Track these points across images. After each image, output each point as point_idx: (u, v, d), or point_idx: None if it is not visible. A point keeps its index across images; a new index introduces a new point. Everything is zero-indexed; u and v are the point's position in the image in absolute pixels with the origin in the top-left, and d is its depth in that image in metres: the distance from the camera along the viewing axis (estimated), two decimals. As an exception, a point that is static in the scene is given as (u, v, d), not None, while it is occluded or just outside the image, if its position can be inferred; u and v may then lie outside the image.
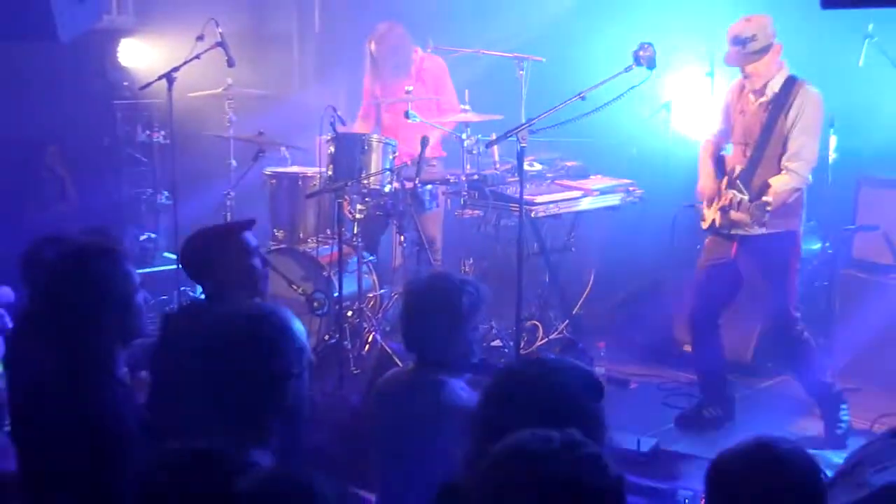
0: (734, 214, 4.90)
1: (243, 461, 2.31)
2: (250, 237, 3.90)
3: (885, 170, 5.92)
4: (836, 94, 4.97)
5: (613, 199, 6.18)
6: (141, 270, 3.10)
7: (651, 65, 4.87)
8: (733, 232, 5.06)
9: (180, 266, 4.06)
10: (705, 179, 5.21)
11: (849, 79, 5.22)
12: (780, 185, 4.85)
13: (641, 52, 4.86)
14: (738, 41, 4.84)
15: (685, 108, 6.58)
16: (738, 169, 5.03)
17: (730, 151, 5.22)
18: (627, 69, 4.90)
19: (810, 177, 4.98)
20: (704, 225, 5.23)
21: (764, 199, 4.72)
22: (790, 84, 4.90)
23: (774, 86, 4.92)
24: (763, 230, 4.86)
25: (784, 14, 5.12)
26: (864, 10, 5.50)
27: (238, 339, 2.40)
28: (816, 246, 6.19)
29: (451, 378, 3.29)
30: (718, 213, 5.08)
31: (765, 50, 4.83)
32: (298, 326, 2.52)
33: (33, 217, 6.17)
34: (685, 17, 6.54)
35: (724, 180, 5.10)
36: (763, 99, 4.96)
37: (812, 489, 2.33)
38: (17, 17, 5.43)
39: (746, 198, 4.84)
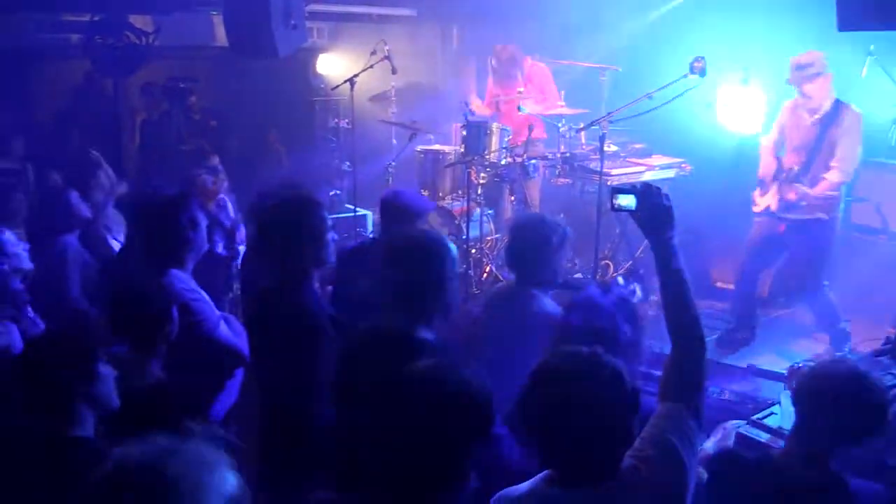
0: (805, 203, 4.73)
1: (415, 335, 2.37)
2: (433, 217, 3.97)
3: (875, 155, 5.54)
4: (841, 97, 4.67)
5: (669, 173, 5.96)
6: (330, 216, 3.08)
7: (702, 73, 4.68)
8: (783, 216, 4.89)
9: (379, 208, 4.07)
10: (766, 170, 5.02)
11: (853, 86, 4.95)
12: (835, 179, 4.71)
13: (696, 64, 4.67)
14: (799, 67, 4.70)
15: (725, 107, 6.25)
16: (795, 168, 4.83)
17: (783, 155, 5.01)
18: (684, 76, 4.72)
19: (853, 173, 4.80)
20: (757, 209, 5.03)
21: (829, 193, 4.63)
22: (837, 105, 4.71)
23: (826, 106, 4.72)
24: (809, 216, 4.71)
25: (806, 34, 4.86)
26: (868, 33, 5.13)
27: (418, 251, 2.49)
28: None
29: (540, 292, 3.20)
30: (775, 199, 4.89)
31: (819, 75, 4.64)
32: (453, 247, 2.58)
33: (260, 178, 6.33)
34: (728, 40, 6.19)
35: (784, 176, 4.90)
36: (817, 116, 4.75)
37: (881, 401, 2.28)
38: (249, 41, 5.57)
39: (810, 191, 4.71)
